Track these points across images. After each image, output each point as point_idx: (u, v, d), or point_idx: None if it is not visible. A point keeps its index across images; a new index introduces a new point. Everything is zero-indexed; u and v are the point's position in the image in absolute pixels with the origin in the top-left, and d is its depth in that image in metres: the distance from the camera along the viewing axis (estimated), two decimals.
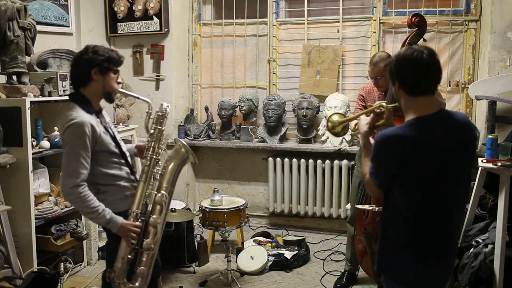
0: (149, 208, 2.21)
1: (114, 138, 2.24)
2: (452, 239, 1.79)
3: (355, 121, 2.50)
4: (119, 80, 2.24)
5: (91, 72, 2.13)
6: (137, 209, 2.18)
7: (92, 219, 2.15)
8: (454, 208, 1.74)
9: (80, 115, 2.09)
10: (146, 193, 2.20)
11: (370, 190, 1.85)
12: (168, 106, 2.29)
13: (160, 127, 2.26)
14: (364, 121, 1.98)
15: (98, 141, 2.12)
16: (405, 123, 1.70)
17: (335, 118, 2.59)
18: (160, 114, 2.26)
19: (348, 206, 3.68)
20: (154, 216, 2.19)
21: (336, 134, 2.70)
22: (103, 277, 2.26)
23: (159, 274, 2.50)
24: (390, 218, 1.79)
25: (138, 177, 2.27)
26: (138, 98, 2.38)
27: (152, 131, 2.25)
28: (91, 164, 2.11)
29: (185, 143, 2.27)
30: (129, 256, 2.16)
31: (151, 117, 2.28)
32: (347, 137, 4.19)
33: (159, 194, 2.20)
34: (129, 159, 2.31)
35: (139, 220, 2.18)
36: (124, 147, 2.33)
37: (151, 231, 2.17)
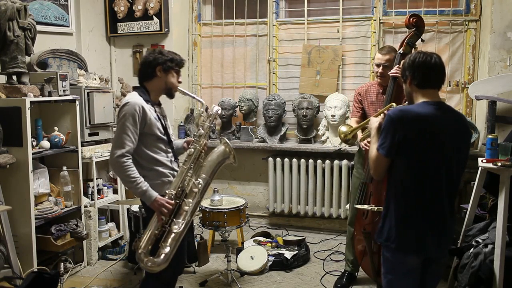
0: (186, 191, 2.36)
1: (164, 127, 2.46)
2: (448, 212, 2.02)
3: (360, 134, 2.96)
4: (180, 79, 2.50)
5: (156, 69, 2.41)
6: (173, 191, 2.35)
7: (130, 188, 2.36)
8: (450, 184, 2.00)
9: (135, 98, 2.36)
10: (185, 179, 2.37)
11: (375, 168, 2.06)
12: (219, 110, 2.52)
13: (210, 124, 2.48)
14: (375, 120, 2.25)
15: (147, 123, 2.35)
16: (413, 104, 2.05)
17: (344, 129, 3.00)
18: (212, 113, 2.49)
19: (348, 206, 3.69)
20: (187, 200, 2.34)
21: (348, 142, 3.05)
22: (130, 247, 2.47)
23: (182, 271, 2.71)
24: (392, 193, 2.05)
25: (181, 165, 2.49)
26: (194, 98, 2.63)
27: (202, 126, 2.47)
28: (138, 145, 2.35)
29: (229, 143, 2.47)
30: (156, 232, 2.31)
31: (202, 114, 2.53)
32: None
33: (195, 181, 2.36)
34: (175, 150, 2.54)
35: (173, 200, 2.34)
36: (173, 138, 2.56)
37: (182, 213, 2.33)
